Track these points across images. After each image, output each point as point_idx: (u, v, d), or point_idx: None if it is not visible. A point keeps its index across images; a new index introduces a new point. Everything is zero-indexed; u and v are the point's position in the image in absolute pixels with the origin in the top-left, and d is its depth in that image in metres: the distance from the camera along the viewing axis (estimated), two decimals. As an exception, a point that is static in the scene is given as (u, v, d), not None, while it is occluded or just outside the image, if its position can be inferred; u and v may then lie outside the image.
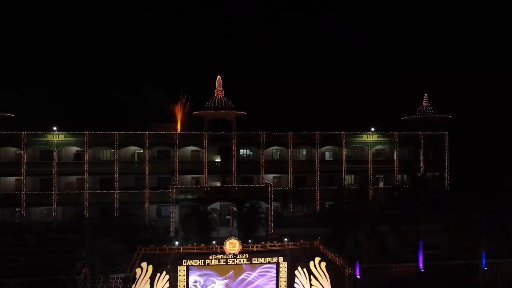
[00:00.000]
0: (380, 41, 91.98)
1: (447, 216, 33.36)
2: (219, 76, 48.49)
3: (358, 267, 31.07)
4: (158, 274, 24.25)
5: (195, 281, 24.79)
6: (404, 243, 33.79)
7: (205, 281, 24.98)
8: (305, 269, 25.34)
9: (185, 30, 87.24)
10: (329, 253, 24.97)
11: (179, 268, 24.82)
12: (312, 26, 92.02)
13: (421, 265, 32.49)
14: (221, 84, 48.31)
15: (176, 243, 27.32)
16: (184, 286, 24.73)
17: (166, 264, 24.68)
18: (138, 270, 23.14)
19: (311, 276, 25.13)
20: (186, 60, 79.29)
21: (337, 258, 24.06)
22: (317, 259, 25.04)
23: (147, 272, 23.81)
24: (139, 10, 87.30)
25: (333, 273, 24.52)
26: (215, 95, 48.11)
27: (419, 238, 32.59)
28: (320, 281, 24.73)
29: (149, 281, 23.91)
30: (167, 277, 24.56)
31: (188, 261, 24.84)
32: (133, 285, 21.99)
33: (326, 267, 24.73)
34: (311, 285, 25.03)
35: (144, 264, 23.70)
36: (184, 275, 24.78)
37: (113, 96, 51.99)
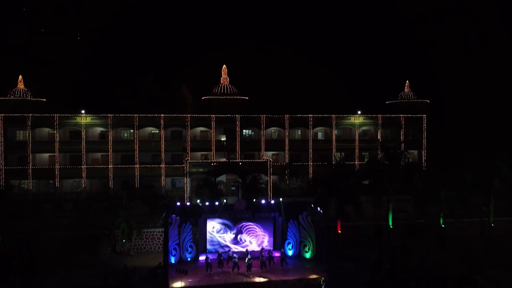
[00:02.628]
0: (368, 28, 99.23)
1: (412, 185, 41.88)
2: (224, 66, 56.05)
3: (339, 224, 39.96)
4: (184, 224, 32.75)
5: (212, 227, 33.34)
6: (378, 207, 42.14)
7: (220, 228, 33.53)
8: (295, 221, 33.87)
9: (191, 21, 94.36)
10: (313, 209, 33.26)
11: (200, 220, 33.38)
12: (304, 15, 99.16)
13: (390, 223, 41.29)
14: (226, 73, 55.95)
15: (198, 201, 35.71)
16: (203, 232, 33.34)
17: (190, 216, 33.13)
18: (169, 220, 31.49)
19: (300, 227, 33.67)
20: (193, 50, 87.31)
21: (319, 213, 32.39)
22: (305, 213, 33.50)
23: (176, 222, 32.26)
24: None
25: (316, 224, 32.97)
26: (221, 82, 55.78)
27: (389, 202, 41.29)
28: (308, 230, 33.31)
29: (177, 228, 32.40)
30: (191, 226, 33.09)
31: (206, 214, 33.35)
32: (170, 227, 30.34)
33: (311, 219, 33.23)
34: (300, 233, 33.64)
35: (173, 216, 32.11)
36: (203, 225, 33.33)
37: (133, 82, 59.82)
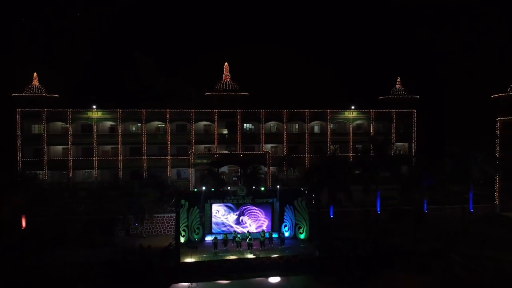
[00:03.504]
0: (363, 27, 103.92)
1: (399, 174, 46.54)
2: (226, 63, 60.48)
3: (332, 210, 44.64)
4: (192, 208, 37.38)
5: (217, 210, 38.03)
6: (367, 194, 46.70)
7: (224, 211, 38.19)
8: (291, 206, 38.53)
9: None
10: (307, 195, 37.86)
11: (206, 204, 38.01)
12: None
13: (378, 209, 45.95)
14: (228, 70, 60.39)
15: (203, 188, 40.33)
16: (209, 215, 38.01)
17: (197, 201, 37.75)
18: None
19: (295, 211, 38.34)
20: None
21: (311, 197, 37.01)
22: (299, 199, 38.18)
23: (185, 206, 36.87)
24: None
25: (310, 208, 37.57)
26: (223, 79, 60.11)
27: (377, 190, 45.91)
28: (302, 214, 37.96)
29: (186, 212, 37.03)
30: (198, 209, 37.72)
31: (211, 200, 38.02)
32: (180, 210, 34.92)
33: (305, 204, 37.86)
34: (295, 216, 38.30)
35: (183, 201, 36.71)
36: (209, 209, 37.99)
37: (139, 79, 64.49)
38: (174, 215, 41.04)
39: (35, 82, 57.50)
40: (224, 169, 56.95)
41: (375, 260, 32.64)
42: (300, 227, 38.11)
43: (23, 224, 40.40)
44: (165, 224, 43.48)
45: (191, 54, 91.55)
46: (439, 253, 34.45)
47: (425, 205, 45.96)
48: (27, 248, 35.75)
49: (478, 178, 45.10)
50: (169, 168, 57.78)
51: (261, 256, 33.68)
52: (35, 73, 57.70)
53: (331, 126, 61.52)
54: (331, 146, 58.95)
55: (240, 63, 70.31)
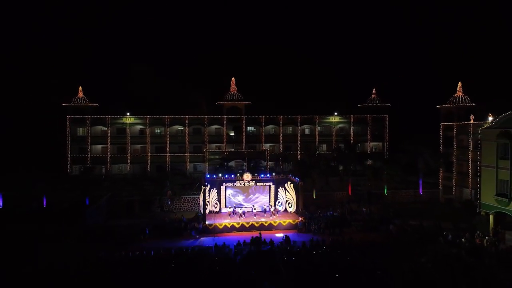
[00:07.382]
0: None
1: (366, 167, 64.09)
2: (233, 78, 78.22)
3: (314, 193, 62.13)
4: (212, 189, 54.73)
5: (229, 194, 55.42)
6: (341, 181, 64.28)
7: (233, 194, 55.57)
8: (283, 188, 55.92)
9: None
10: (294, 179, 55.17)
11: (221, 187, 55.37)
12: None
13: (350, 192, 63.41)
14: (234, 83, 77.99)
15: (220, 174, 57.66)
16: (224, 196, 55.36)
17: (215, 185, 55.11)
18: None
19: (286, 191, 55.73)
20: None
21: (298, 180, 54.24)
22: (289, 182, 55.52)
23: (207, 187, 54.19)
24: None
25: (296, 189, 54.88)
26: (231, 90, 77.81)
27: (348, 178, 63.42)
28: (291, 193, 55.33)
29: (208, 192, 54.35)
30: (216, 191, 55.10)
31: (226, 183, 55.38)
32: (206, 188, 52.26)
33: (293, 186, 55.26)
34: (286, 195, 55.73)
35: (206, 183, 54.03)
36: (223, 190, 55.38)
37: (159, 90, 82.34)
38: (197, 196, 58.78)
39: (80, 94, 75.03)
40: (232, 163, 74.36)
41: (340, 223, 49.95)
42: (289, 203, 55.51)
43: (87, 202, 57.90)
44: (189, 203, 60.83)
45: (191, 55, 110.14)
46: (386, 220, 51.70)
47: (386, 189, 63.57)
48: (102, 216, 53.48)
49: (424, 169, 62.61)
50: (187, 163, 75.30)
51: (261, 220, 50.97)
52: (80, 87, 75.28)
53: (319, 129, 78.95)
54: (316, 146, 76.69)
55: (240, 62, 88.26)
